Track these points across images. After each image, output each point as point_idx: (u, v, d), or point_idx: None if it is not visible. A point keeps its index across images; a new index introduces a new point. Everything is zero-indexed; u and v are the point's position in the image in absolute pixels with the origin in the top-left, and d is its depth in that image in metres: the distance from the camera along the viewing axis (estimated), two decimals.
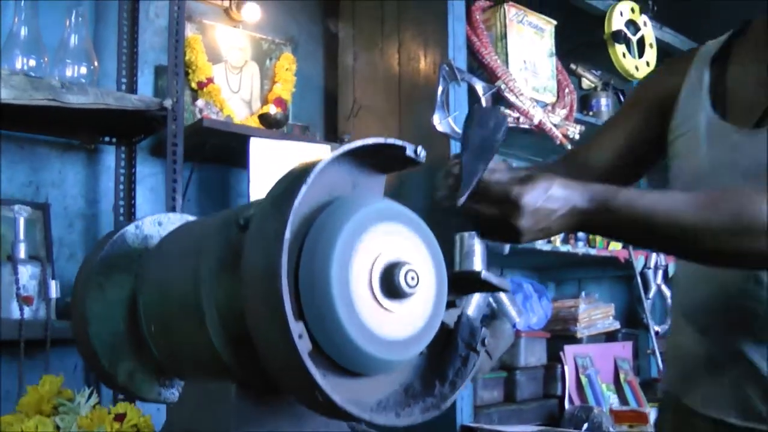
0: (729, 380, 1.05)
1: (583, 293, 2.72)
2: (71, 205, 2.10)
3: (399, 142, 0.66)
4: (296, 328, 0.56)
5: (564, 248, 2.50)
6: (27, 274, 1.64)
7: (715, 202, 0.82)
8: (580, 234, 2.59)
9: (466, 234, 0.81)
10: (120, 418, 0.85)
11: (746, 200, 0.81)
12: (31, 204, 2.01)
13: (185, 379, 0.83)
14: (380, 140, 0.65)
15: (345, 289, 0.59)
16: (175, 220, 0.98)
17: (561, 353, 2.39)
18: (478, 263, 0.84)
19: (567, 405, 2.32)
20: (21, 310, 1.58)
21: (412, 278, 0.62)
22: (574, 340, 2.46)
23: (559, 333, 2.46)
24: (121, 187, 2.09)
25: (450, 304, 0.73)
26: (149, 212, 2.22)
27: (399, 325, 0.63)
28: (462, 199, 0.75)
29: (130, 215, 2.08)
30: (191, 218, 0.99)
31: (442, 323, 0.70)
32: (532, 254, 2.53)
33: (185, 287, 0.72)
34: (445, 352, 0.71)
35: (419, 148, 0.67)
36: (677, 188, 1.16)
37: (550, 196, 0.77)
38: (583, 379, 2.39)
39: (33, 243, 1.88)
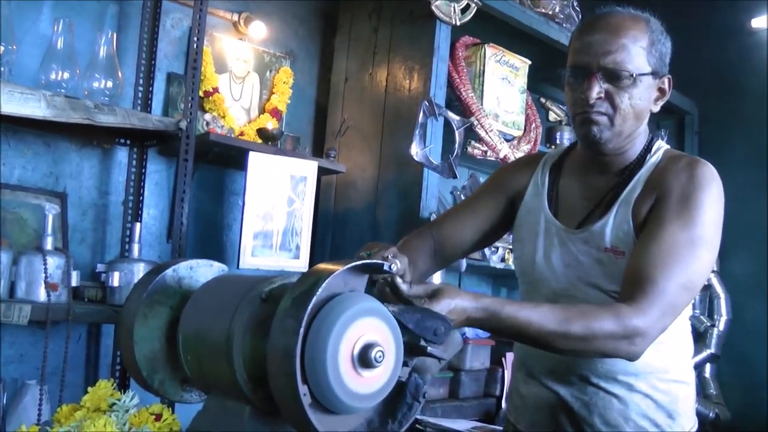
0: (549, 410, 1.42)
1: None
2: (85, 196, 2.34)
3: (380, 262, 0.96)
4: (302, 389, 0.87)
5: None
6: (53, 264, 1.90)
7: (570, 317, 1.13)
8: None
9: None
10: (158, 417, 1.15)
11: (592, 316, 1.14)
12: (51, 193, 2.28)
13: (209, 394, 1.14)
14: (368, 261, 0.95)
15: (335, 363, 0.90)
16: (203, 264, 1.28)
17: (503, 358, 2.68)
18: None
19: (504, 404, 2.59)
20: (48, 296, 1.85)
21: (380, 355, 0.93)
22: None
23: (504, 340, 2.75)
24: (132, 183, 2.36)
25: (404, 363, 1.04)
26: (154, 204, 2.51)
27: (368, 385, 0.94)
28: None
29: (138, 208, 2.36)
30: (216, 264, 1.28)
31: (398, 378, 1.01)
32: (487, 269, 2.86)
33: (219, 338, 1.03)
34: (397, 399, 1.02)
35: (392, 265, 0.97)
36: (519, 266, 1.52)
37: (452, 309, 1.05)
38: None
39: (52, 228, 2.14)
